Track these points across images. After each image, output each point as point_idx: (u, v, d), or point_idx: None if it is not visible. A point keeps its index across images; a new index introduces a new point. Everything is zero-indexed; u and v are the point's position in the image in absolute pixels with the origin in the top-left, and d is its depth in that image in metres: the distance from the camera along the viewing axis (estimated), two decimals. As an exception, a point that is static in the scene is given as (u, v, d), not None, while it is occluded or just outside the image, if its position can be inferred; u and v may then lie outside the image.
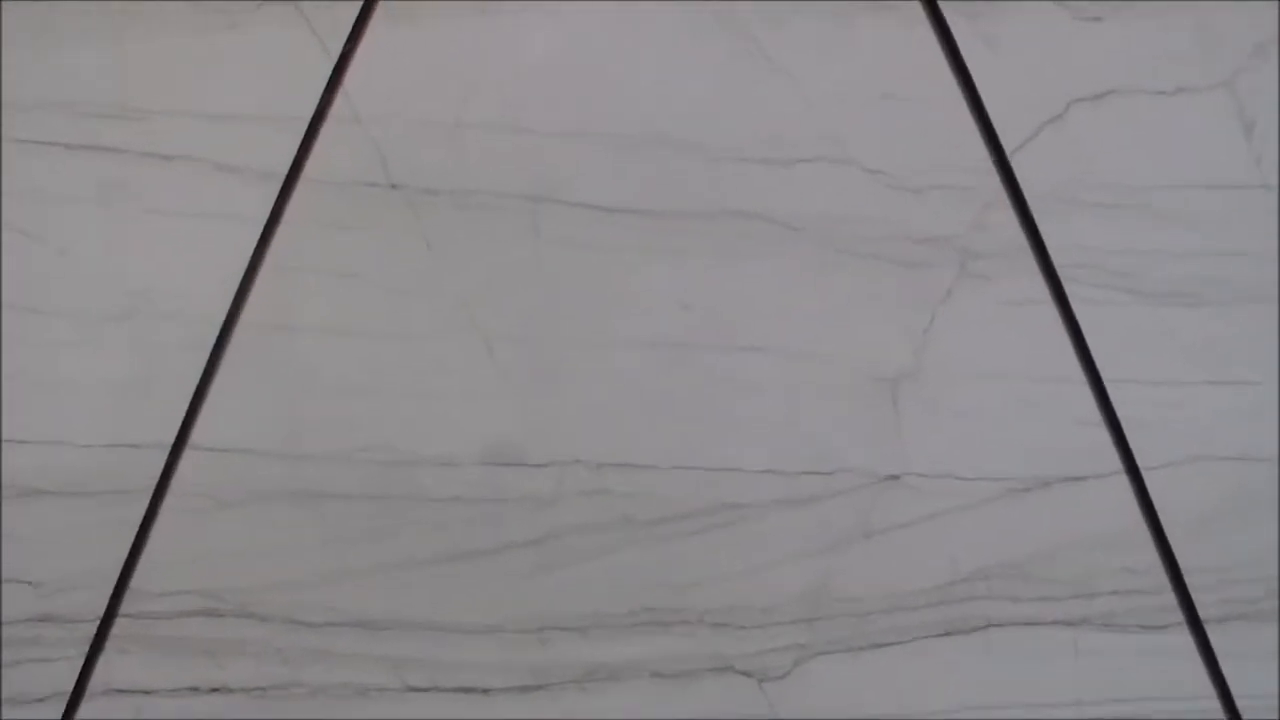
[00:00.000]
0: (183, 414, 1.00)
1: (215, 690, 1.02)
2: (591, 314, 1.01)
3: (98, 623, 1.01)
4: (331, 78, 0.99)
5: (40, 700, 1.02)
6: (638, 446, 1.02)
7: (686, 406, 1.02)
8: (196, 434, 1.00)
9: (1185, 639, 1.05)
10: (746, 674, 1.04)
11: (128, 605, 1.01)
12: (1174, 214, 1.02)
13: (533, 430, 1.02)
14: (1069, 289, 1.02)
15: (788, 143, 1.01)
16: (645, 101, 1.00)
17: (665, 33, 0.99)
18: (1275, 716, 1.06)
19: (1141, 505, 1.04)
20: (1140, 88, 1.01)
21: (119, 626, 1.02)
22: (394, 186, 0.99)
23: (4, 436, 1.00)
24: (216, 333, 1.00)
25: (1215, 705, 1.05)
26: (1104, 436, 1.03)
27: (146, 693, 1.02)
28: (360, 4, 0.98)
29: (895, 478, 1.03)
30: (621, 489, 1.02)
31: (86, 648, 1.01)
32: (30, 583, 1.01)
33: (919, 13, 1.00)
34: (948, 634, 1.04)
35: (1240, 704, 1.06)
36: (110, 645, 1.02)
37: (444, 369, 1.01)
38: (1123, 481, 1.04)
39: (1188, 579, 1.05)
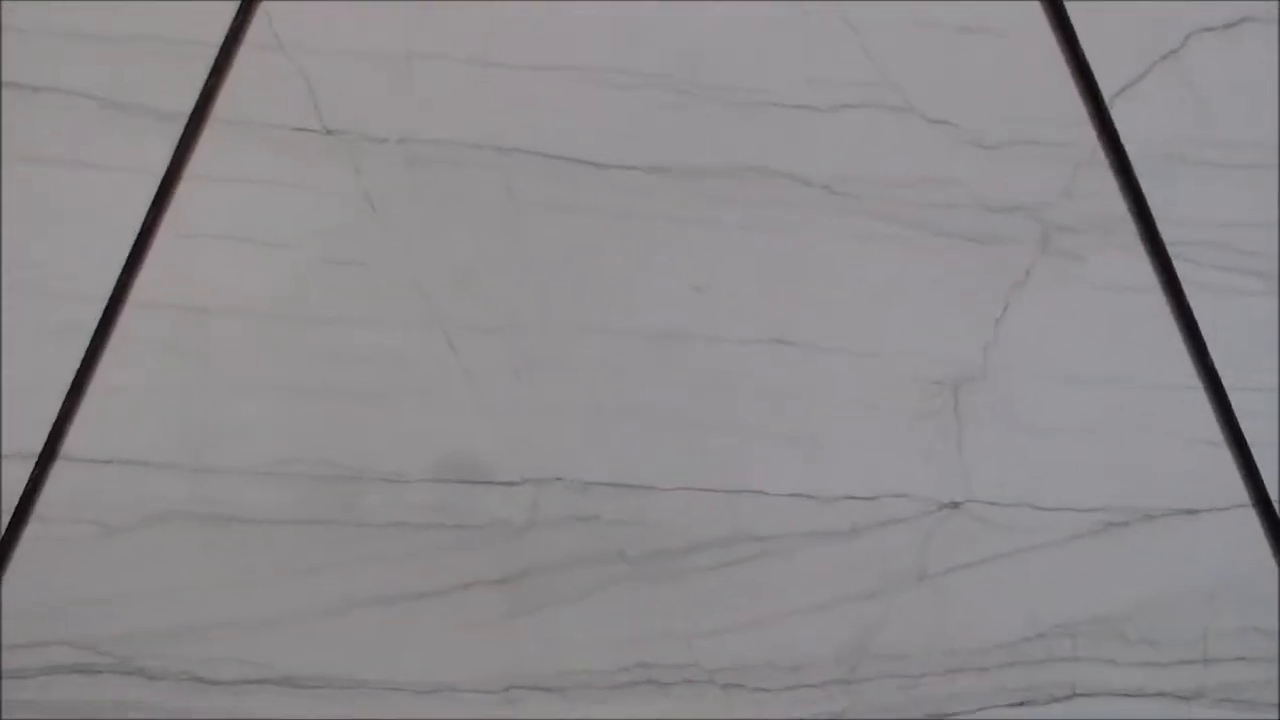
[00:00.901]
0: (54, 416, 0.86)
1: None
2: (578, 296, 0.90)
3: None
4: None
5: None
6: (633, 462, 0.90)
7: (696, 413, 0.90)
8: (71, 441, 0.86)
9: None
10: (767, 748, 0.93)
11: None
12: None
13: (502, 440, 0.89)
14: (1182, 272, 0.92)
15: (829, 84, 0.90)
16: (647, 28, 0.89)
17: None
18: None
19: (1274, 547, 0.93)
20: None
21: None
22: (329, 132, 0.87)
23: None
24: (99, 314, 0.86)
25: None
26: (1225, 459, 0.93)
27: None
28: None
29: (956, 505, 0.92)
30: (612, 514, 0.90)
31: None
32: None
33: None
34: (1023, 703, 0.94)
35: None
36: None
37: (392, 363, 0.88)
38: (1249, 517, 0.94)
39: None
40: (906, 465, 0.92)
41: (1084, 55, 0.89)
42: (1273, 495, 0.92)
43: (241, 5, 0.86)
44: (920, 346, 0.91)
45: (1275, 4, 0.90)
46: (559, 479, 0.90)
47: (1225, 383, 0.91)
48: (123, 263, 0.87)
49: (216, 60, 0.87)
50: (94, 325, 0.87)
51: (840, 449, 0.91)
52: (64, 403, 0.86)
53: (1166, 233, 0.90)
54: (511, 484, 0.89)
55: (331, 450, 0.88)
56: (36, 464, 0.87)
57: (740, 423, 0.91)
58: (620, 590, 0.90)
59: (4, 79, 0.85)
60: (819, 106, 0.88)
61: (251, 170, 0.87)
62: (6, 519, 0.85)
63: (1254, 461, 0.91)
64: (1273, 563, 0.93)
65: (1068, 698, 0.93)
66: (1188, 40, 0.90)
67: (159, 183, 0.86)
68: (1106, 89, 0.89)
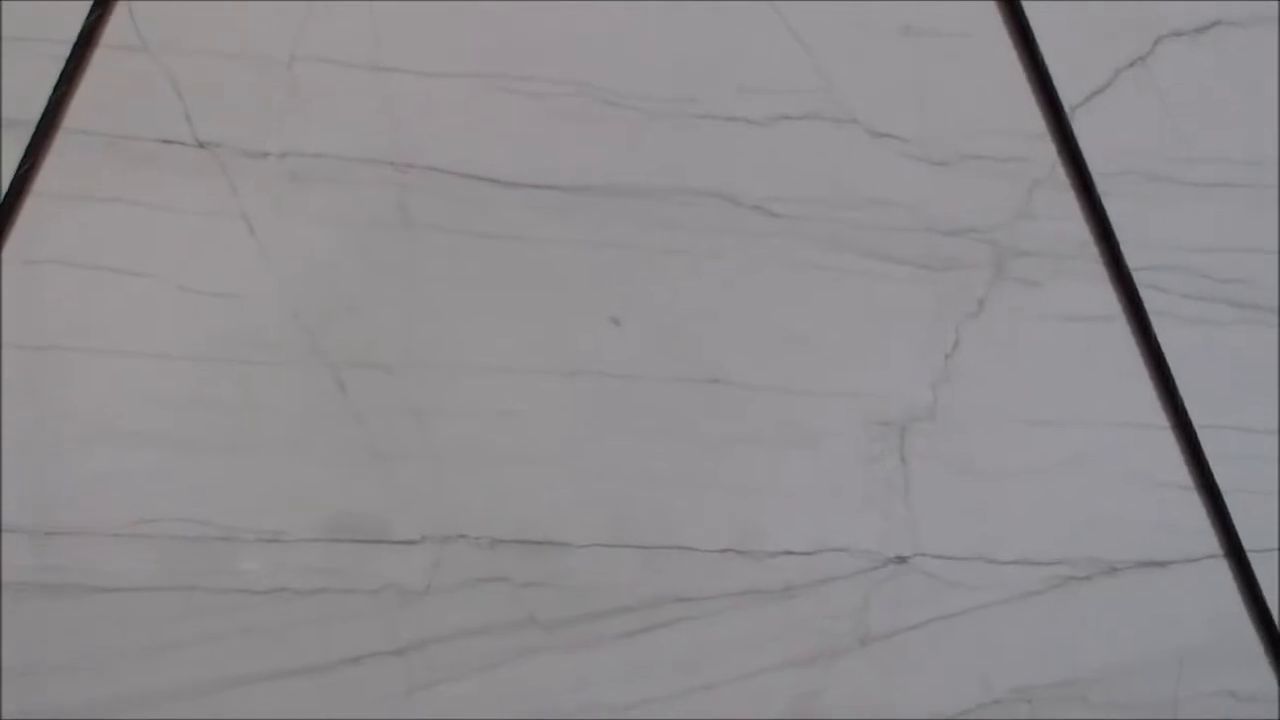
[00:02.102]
0: None
1: None
2: (482, 331, 0.84)
3: None
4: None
5: None
6: (545, 516, 0.85)
7: (615, 460, 0.85)
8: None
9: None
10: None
11: None
12: None
13: (398, 493, 0.84)
14: (1149, 300, 0.88)
15: (764, 93, 0.85)
16: (562, 31, 0.83)
17: None
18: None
19: (1248, 603, 0.88)
20: (1261, 15, 0.88)
21: None
22: (201, 145, 0.80)
23: None
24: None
25: None
26: (1195, 505, 0.89)
27: None
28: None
29: (903, 560, 0.88)
30: (522, 575, 0.85)
31: None
32: None
33: None
34: (976, 778, 0.91)
35: None
36: None
37: (273, 406, 0.82)
38: (1221, 568, 0.91)
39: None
40: (848, 517, 0.88)
41: (1043, 61, 0.84)
42: (1247, 544, 0.89)
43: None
44: (864, 384, 0.87)
45: (1248, 6, 0.85)
46: (462, 536, 0.85)
47: (1195, 421, 0.87)
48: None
49: (69, 62, 0.80)
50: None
51: (775, 499, 0.87)
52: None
53: (1132, 257, 0.86)
54: (409, 542, 0.84)
55: (199, 507, 0.82)
56: None
57: (665, 471, 0.87)
58: (533, 660, 0.86)
59: None
60: (753, 118, 0.83)
61: (109, 188, 0.80)
62: None
63: (1226, 508, 0.88)
64: (1247, 619, 0.90)
65: (1027, 771, 0.92)
66: (1156, 45, 0.85)
67: (1, 198, 0.81)
68: (1067, 99, 0.85)
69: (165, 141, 0.81)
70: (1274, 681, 0.91)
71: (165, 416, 0.80)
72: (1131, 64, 0.85)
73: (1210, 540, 0.89)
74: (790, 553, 0.87)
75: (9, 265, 0.79)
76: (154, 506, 0.82)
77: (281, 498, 0.82)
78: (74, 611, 0.80)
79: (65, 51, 0.81)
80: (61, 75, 0.80)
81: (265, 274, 0.81)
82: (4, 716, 0.81)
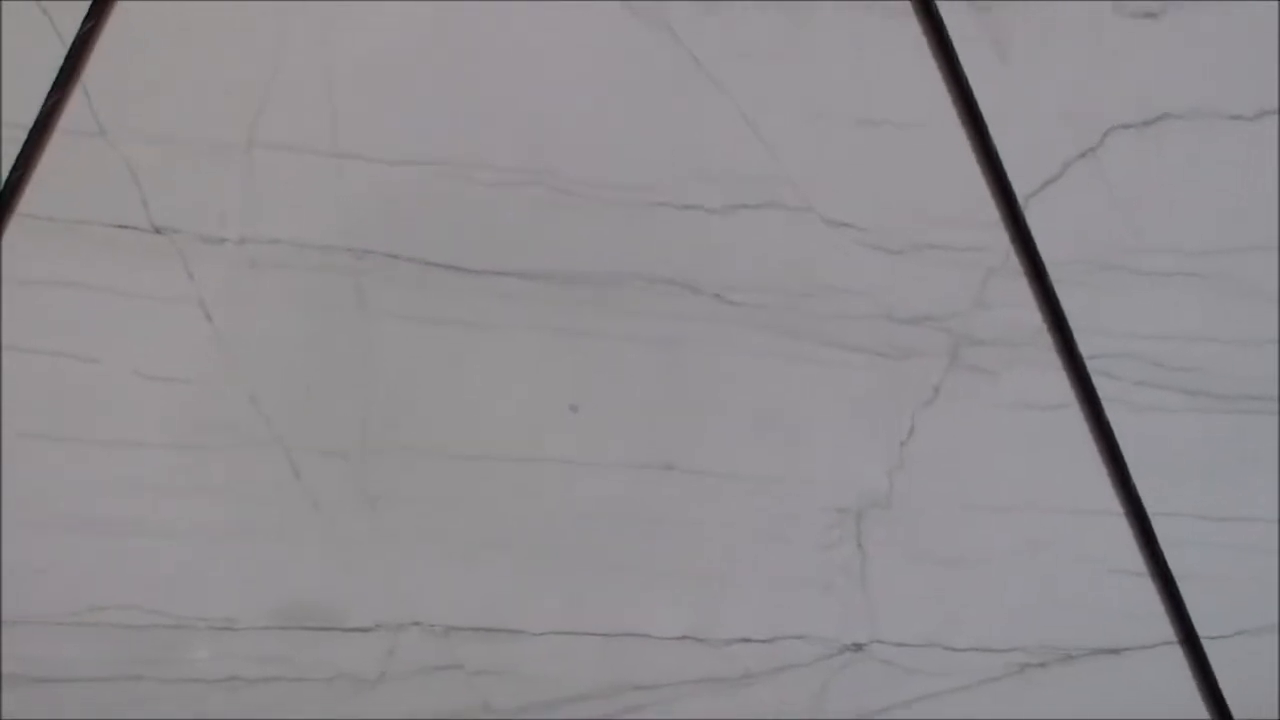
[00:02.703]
0: None
1: None
2: (439, 417, 0.83)
3: None
4: (64, 69, 0.77)
5: None
6: (501, 603, 0.84)
7: (571, 547, 0.84)
8: None
9: None
10: None
11: None
12: (1255, 287, 0.88)
13: (352, 579, 0.82)
14: (1102, 388, 0.87)
15: (724, 182, 0.84)
16: (519, 118, 0.82)
17: (553, 24, 0.82)
18: None
19: (1203, 690, 0.88)
20: (1206, 109, 0.86)
21: None
22: (157, 230, 0.79)
23: None
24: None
25: None
26: (1150, 592, 0.88)
27: None
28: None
29: (860, 648, 0.87)
30: (477, 663, 0.83)
31: None
32: None
33: (905, 7, 0.83)
34: None
35: None
36: None
37: (225, 492, 0.81)
38: (1176, 655, 0.89)
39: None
40: (806, 603, 0.86)
41: (996, 152, 0.84)
42: (1202, 631, 0.88)
43: (56, 82, 0.77)
44: (821, 472, 0.86)
45: (1195, 101, 0.86)
46: (416, 623, 0.84)
47: (1149, 508, 0.87)
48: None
49: (25, 146, 0.79)
50: None
51: (732, 586, 0.86)
52: None
53: (1085, 345, 0.86)
54: (363, 630, 0.83)
55: (150, 594, 0.81)
56: None
57: (621, 558, 0.85)
58: (487, 750, 0.84)
59: None
60: (710, 206, 0.82)
61: (65, 273, 0.79)
62: None
63: (1180, 595, 0.87)
64: (1203, 706, 0.89)
65: None
66: (1105, 137, 0.85)
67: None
68: (1020, 189, 0.84)
69: (121, 227, 0.80)
70: (1229, 770, 0.92)
71: (117, 503, 0.79)
72: (1082, 155, 0.85)
73: (1165, 627, 0.88)
74: (748, 640, 0.85)
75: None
76: (103, 594, 0.81)
77: (234, 584, 0.81)
78: (18, 704, 0.78)
79: (22, 135, 0.78)
80: (18, 159, 0.80)
81: (221, 359, 0.80)
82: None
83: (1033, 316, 0.86)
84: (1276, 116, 0.86)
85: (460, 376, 0.82)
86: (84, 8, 0.79)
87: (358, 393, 0.81)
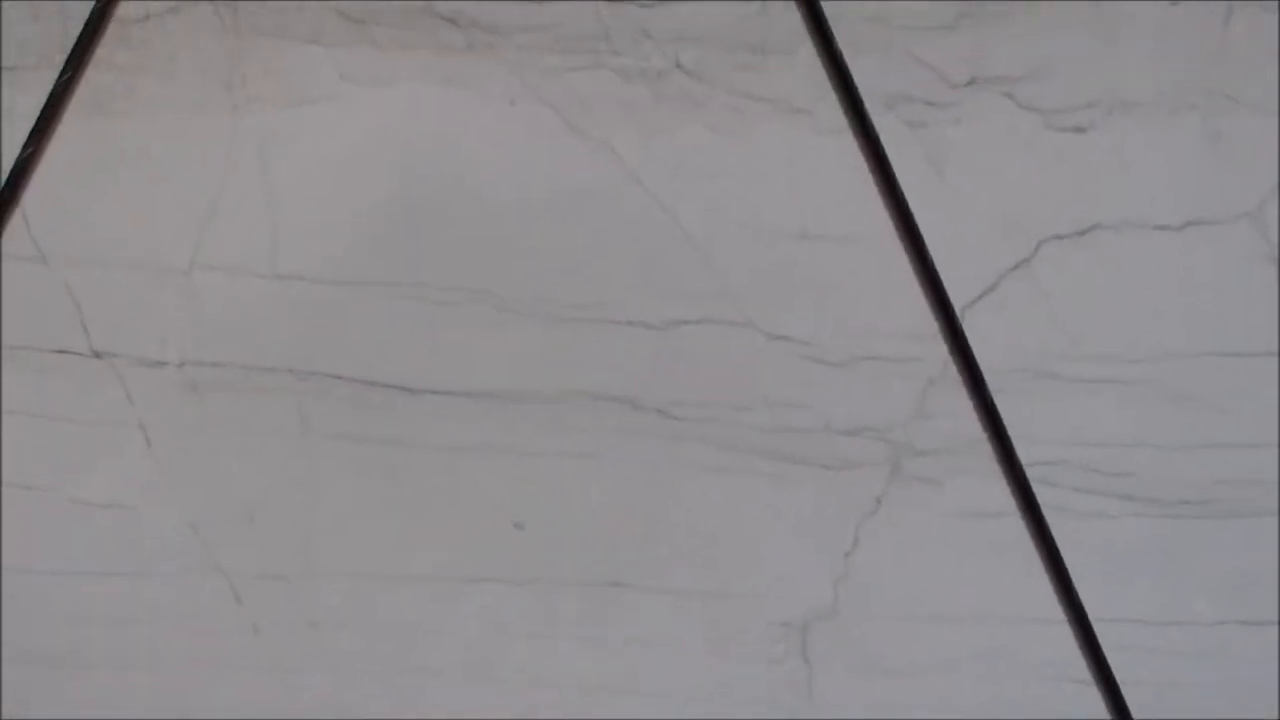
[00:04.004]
0: None
1: None
2: (383, 540, 0.82)
3: None
4: (3, 195, 0.79)
5: None
6: None
7: (518, 666, 0.83)
8: None
9: None
10: None
11: None
12: (1187, 393, 0.87)
13: (296, 706, 0.81)
14: (1043, 496, 0.86)
15: (663, 297, 0.85)
16: (462, 236, 0.83)
17: (496, 142, 0.82)
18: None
19: None
20: (1136, 220, 0.86)
21: None
22: (97, 355, 0.80)
23: None
24: None
25: None
26: (1094, 699, 0.87)
27: None
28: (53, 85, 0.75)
29: None
30: None
31: None
32: None
33: (841, 121, 0.83)
34: None
35: None
36: None
37: (168, 618, 0.80)
38: None
39: None
40: (753, 718, 0.85)
41: (933, 265, 0.84)
42: None
43: (-7, 210, 0.80)
44: (766, 585, 0.85)
45: (1124, 212, 0.88)
46: None
47: (1092, 614, 0.86)
48: None
49: None
50: None
51: (680, 702, 0.85)
52: None
53: (1024, 453, 0.86)
54: None
55: None
56: None
57: (568, 676, 0.84)
58: None
59: None
60: (652, 323, 0.82)
61: (4, 400, 0.80)
62: None
63: (1124, 701, 0.86)
64: None
65: None
66: (1039, 248, 0.86)
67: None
68: (958, 300, 0.85)
69: (61, 351, 0.80)
70: None
71: (55, 631, 0.79)
72: (1016, 266, 0.85)
73: (1110, 734, 0.92)
74: (696, 756, 0.88)
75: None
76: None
77: (175, 712, 0.80)
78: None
79: (-41, 263, 0.81)
80: (-44, 286, 0.81)
81: (161, 485, 0.80)
82: None
83: (972, 426, 0.86)
84: (1201, 227, 0.87)
85: (405, 497, 0.82)
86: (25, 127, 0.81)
87: (300, 515, 0.81)
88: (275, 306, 0.80)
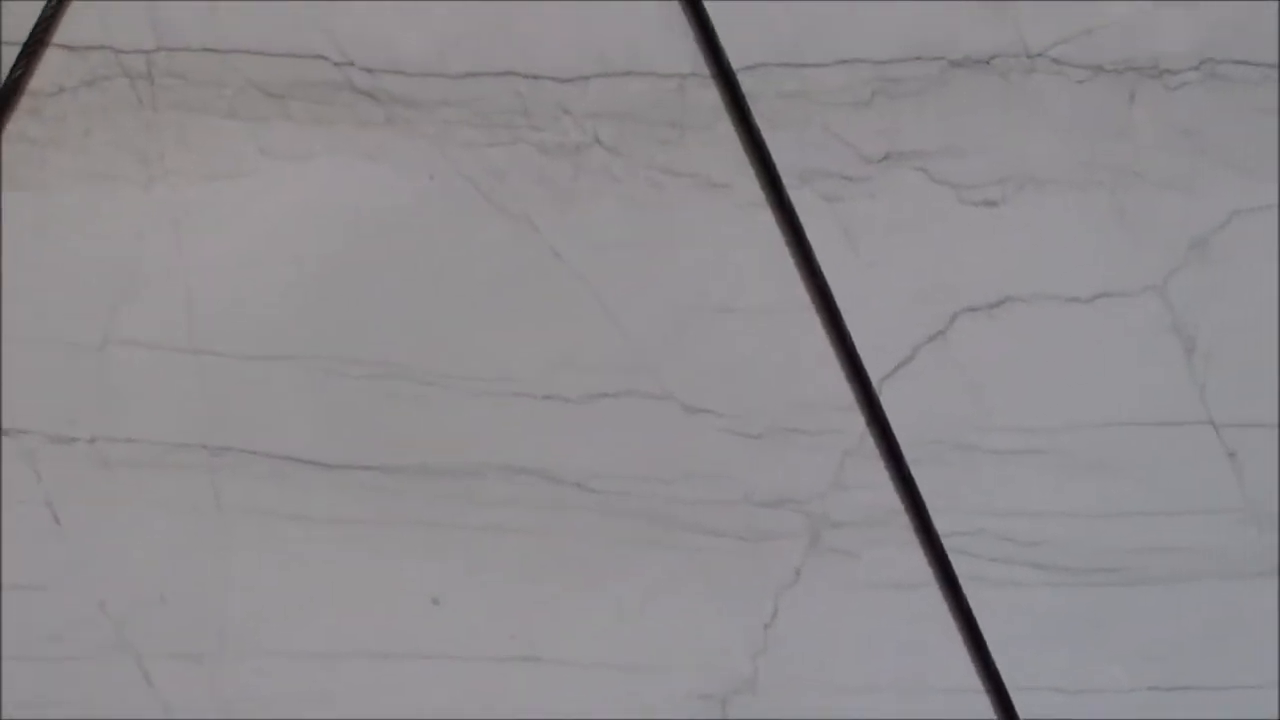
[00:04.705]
0: None
1: None
2: (297, 617, 0.81)
3: None
4: None
5: None
6: None
7: None
8: None
9: None
10: None
11: None
12: (1099, 462, 0.89)
13: None
14: (959, 566, 0.87)
15: (581, 370, 0.84)
16: (377, 311, 0.81)
17: (412, 216, 0.81)
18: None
19: None
20: (1046, 293, 0.87)
21: None
22: (5, 432, 0.77)
23: None
24: None
25: None
26: None
27: None
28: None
29: None
30: None
31: None
32: None
33: (759, 195, 0.84)
34: None
35: None
36: None
37: (75, 700, 0.77)
38: None
39: None
40: None
41: (850, 337, 0.85)
42: None
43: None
44: (685, 657, 0.84)
45: (1036, 285, 0.90)
46: None
47: (1009, 683, 0.87)
48: None
49: None
50: None
51: None
52: None
53: (941, 523, 0.86)
54: None
55: None
56: None
57: None
58: None
59: None
60: (569, 396, 0.82)
61: None
62: None
63: None
64: None
65: None
66: (954, 320, 0.87)
67: None
68: (874, 372, 0.85)
69: (-32, 429, 0.81)
70: None
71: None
72: (931, 338, 0.86)
73: (1030, 804, 0.92)
74: (615, 835, 0.87)
75: None
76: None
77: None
78: None
79: None
80: None
81: (69, 563, 0.78)
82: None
83: (890, 497, 0.87)
84: (1110, 299, 0.89)
85: (319, 572, 0.80)
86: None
87: (212, 594, 0.79)
88: (190, 381, 0.78)
